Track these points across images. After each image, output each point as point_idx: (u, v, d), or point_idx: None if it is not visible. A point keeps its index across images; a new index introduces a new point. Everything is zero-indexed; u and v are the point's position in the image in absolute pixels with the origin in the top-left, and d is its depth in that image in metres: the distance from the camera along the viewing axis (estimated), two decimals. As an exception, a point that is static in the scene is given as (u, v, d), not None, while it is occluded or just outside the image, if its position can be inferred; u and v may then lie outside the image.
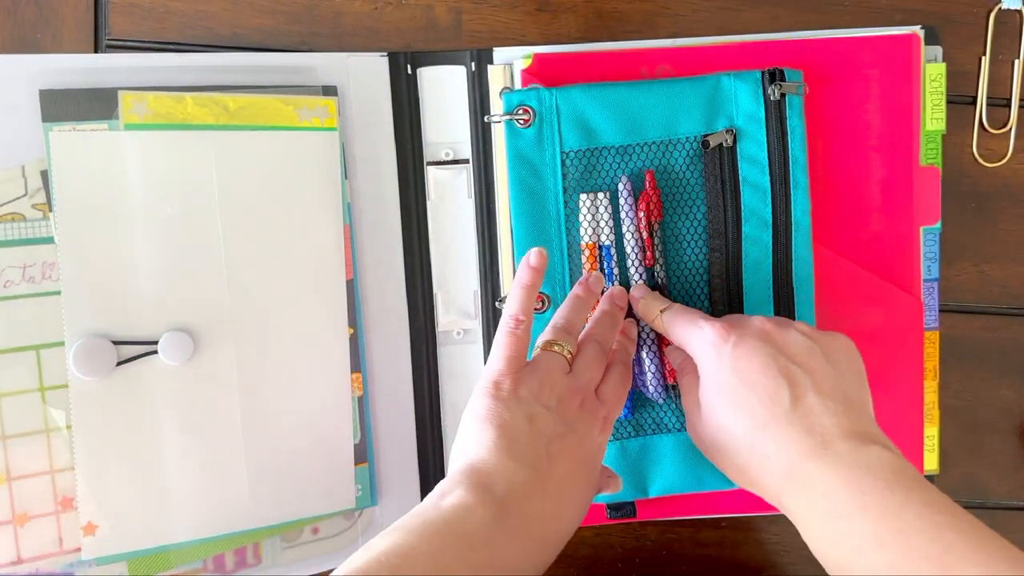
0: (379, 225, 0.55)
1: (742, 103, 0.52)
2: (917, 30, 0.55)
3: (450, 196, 0.56)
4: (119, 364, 0.50)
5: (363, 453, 0.55)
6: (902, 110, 0.55)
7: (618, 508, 0.55)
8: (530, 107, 0.52)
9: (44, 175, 0.49)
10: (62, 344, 0.49)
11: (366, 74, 0.54)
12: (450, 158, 0.56)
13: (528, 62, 0.53)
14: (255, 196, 0.52)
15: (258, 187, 0.52)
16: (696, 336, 0.46)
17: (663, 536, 0.59)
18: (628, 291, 0.52)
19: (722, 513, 0.57)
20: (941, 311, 0.57)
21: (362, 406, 0.55)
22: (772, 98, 0.51)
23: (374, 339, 0.55)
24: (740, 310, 0.52)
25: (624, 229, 0.52)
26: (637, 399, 0.54)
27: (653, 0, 0.56)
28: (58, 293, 0.49)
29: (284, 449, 0.53)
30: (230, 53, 0.54)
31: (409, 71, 0.55)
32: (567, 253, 0.53)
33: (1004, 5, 0.57)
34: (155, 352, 0.50)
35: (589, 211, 0.52)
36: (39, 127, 0.49)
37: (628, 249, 0.52)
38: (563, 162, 0.52)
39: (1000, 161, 0.58)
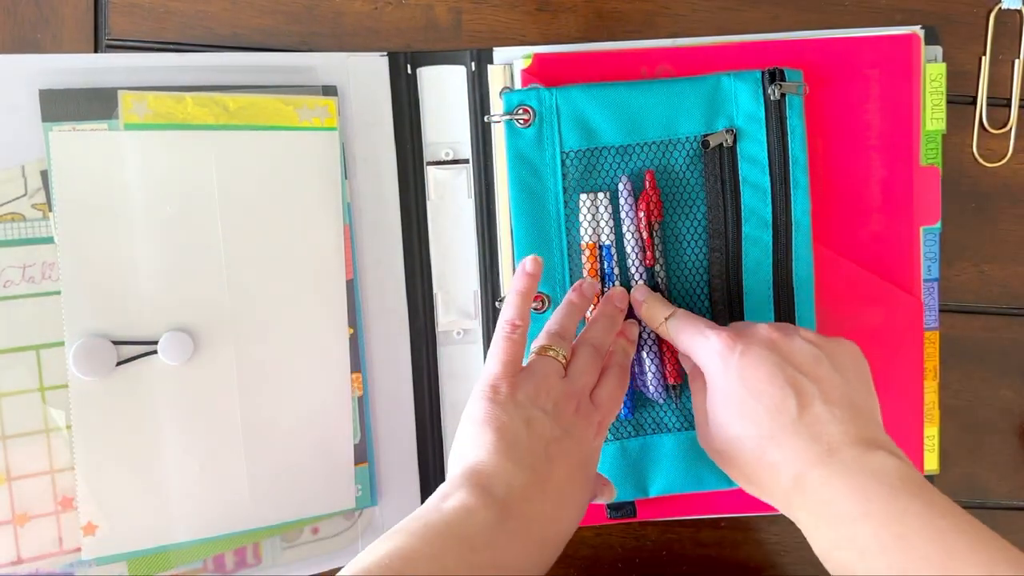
0: (379, 225, 0.55)
1: (742, 103, 0.52)
2: (917, 30, 0.55)
3: (450, 196, 0.56)
4: (119, 364, 0.50)
5: (363, 453, 0.55)
6: (902, 110, 0.55)
7: (618, 508, 0.55)
8: (530, 107, 0.52)
9: (44, 175, 0.49)
10: (62, 344, 0.49)
11: (366, 74, 0.54)
12: (450, 158, 0.56)
13: (528, 62, 0.53)
14: (255, 196, 0.52)
15: (258, 187, 0.52)
16: (702, 346, 0.46)
17: (663, 536, 0.59)
18: (628, 292, 0.52)
19: (722, 513, 0.57)
20: (941, 311, 0.57)
21: (362, 406, 0.55)
22: (772, 98, 0.51)
23: (374, 339, 0.55)
24: (740, 310, 0.52)
25: (624, 229, 0.52)
26: (637, 399, 0.54)
27: (653, 0, 0.56)
28: (58, 293, 0.49)
29: (284, 449, 0.53)
30: (230, 53, 0.54)
31: (409, 71, 0.55)
32: (567, 253, 0.53)
33: (1004, 5, 0.57)
34: (155, 352, 0.50)
35: (589, 211, 0.52)
36: (39, 127, 0.49)
37: (628, 249, 0.52)
38: (563, 162, 0.52)
39: (1000, 161, 0.58)
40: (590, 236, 0.52)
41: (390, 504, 0.56)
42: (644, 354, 0.53)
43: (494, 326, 0.55)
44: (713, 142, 0.52)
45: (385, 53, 0.55)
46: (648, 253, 0.52)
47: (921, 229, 0.56)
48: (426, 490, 0.56)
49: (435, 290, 0.56)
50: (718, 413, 0.45)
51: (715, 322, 0.49)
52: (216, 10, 0.55)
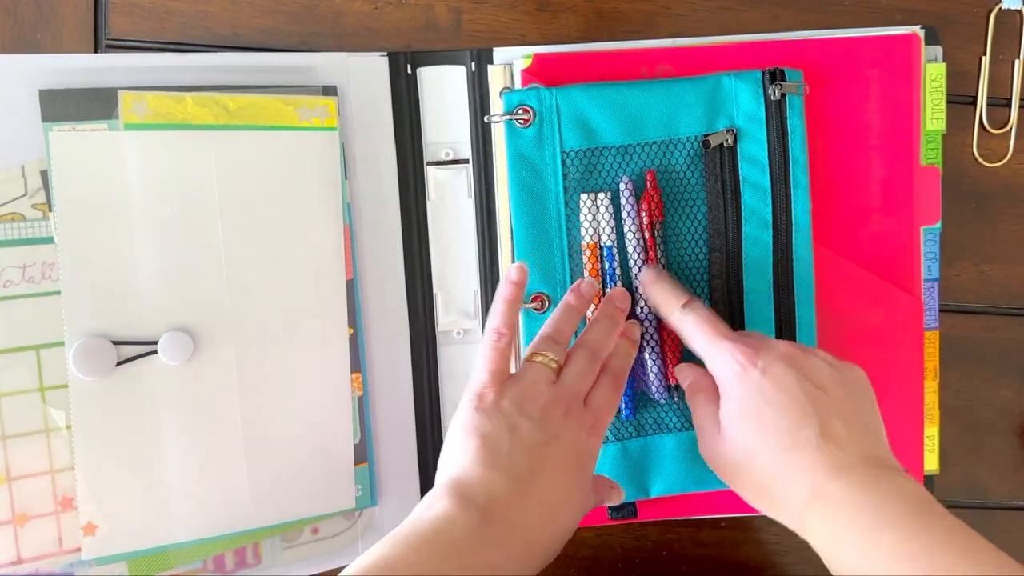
0: (379, 225, 0.55)
1: (742, 103, 0.52)
2: (917, 30, 0.55)
3: (450, 196, 0.56)
4: (119, 364, 0.50)
5: (363, 453, 0.55)
6: (902, 110, 0.55)
7: (619, 509, 0.55)
8: (530, 107, 0.52)
9: (44, 175, 0.49)
10: (62, 344, 0.49)
11: (366, 74, 0.54)
12: (450, 158, 0.56)
13: (528, 62, 0.53)
14: (255, 196, 0.52)
15: (258, 187, 0.52)
16: (722, 358, 0.46)
17: (663, 536, 0.59)
18: (630, 289, 0.52)
19: (722, 513, 0.57)
20: (941, 311, 0.57)
21: (362, 406, 0.55)
22: (772, 98, 0.51)
23: (374, 339, 0.55)
24: (740, 310, 0.52)
25: (626, 229, 0.52)
26: (639, 399, 0.54)
27: (653, 0, 0.56)
28: (58, 293, 0.49)
29: (284, 449, 0.53)
30: (230, 53, 0.54)
31: (409, 71, 0.55)
32: (567, 253, 0.53)
33: (1004, 5, 0.57)
34: (155, 352, 0.50)
35: (590, 211, 0.52)
36: (39, 127, 0.49)
37: (630, 249, 0.52)
38: (563, 162, 0.52)
39: (1000, 161, 0.58)
40: (591, 236, 0.52)
41: (390, 504, 0.56)
42: (646, 354, 0.53)
43: (494, 326, 0.55)
44: (714, 142, 0.52)
45: (385, 53, 0.55)
46: (650, 253, 0.52)
47: (921, 229, 0.56)
48: (426, 490, 0.56)
49: (435, 290, 0.56)
50: (734, 426, 0.45)
51: (689, 292, 0.49)
52: (216, 10, 0.55)
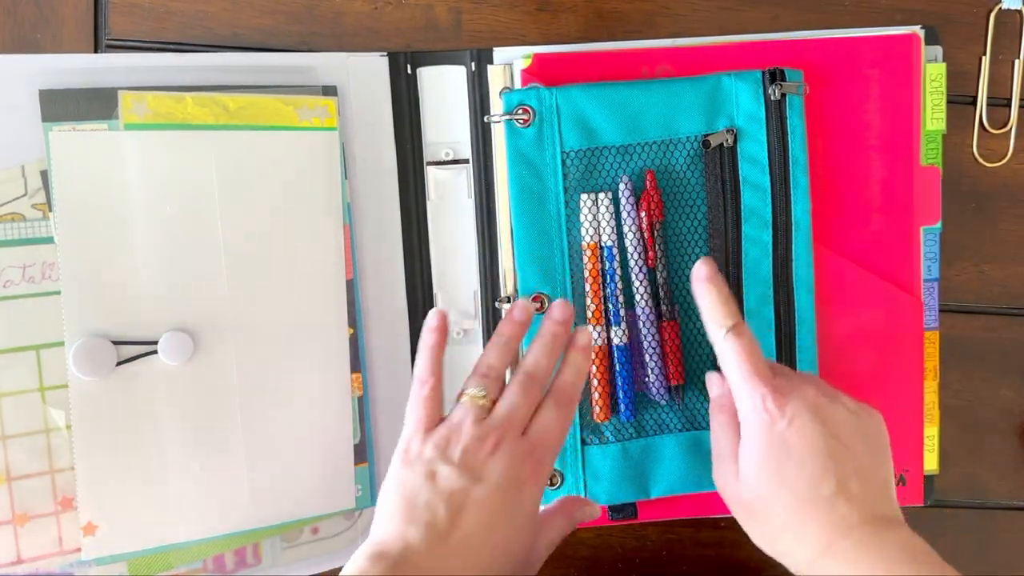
0: (379, 225, 0.55)
1: (743, 103, 0.52)
2: (917, 30, 0.55)
3: (450, 196, 0.56)
4: (119, 364, 0.50)
5: (363, 453, 0.55)
6: (902, 110, 0.55)
7: (619, 510, 0.55)
8: (530, 107, 0.52)
9: (44, 175, 0.49)
10: (62, 344, 0.49)
11: (366, 74, 0.54)
12: (450, 158, 0.56)
13: (528, 62, 0.53)
14: (255, 196, 0.52)
15: (258, 187, 0.52)
16: (751, 401, 0.45)
17: (663, 536, 0.59)
18: (630, 289, 0.52)
19: (722, 513, 0.56)
20: (941, 311, 0.57)
21: (362, 406, 0.55)
22: (772, 98, 0.51)
23: (374, 339, 0.55)
24: (740, 311, 0.52)
25: (625, 229, 0.52)
26: (639, 400, 0.54)
27: (653, 0, 0.56)
28: (58, 293, 0.49)
29: (284, 449, 0.53)
30: (230, 53, 0.54)
31: (409, 71, 0.55)
32: (567, 253, 0.53)
33: (1004, 5, 0.57)
34: (155, 352, 0.50)
35: (590, 211, 0.52)
36: (39, 127, 0.49)
37: (630, 249, 0.52)
38: (563, 162, 0.52)
39: (1000, 161, 0.58)
40: (591, 236, 0.52)
41: (390, 504, 0.56)
42: (646, 356, 0.53)
43: (494, 326, 0.55)
44: (714, 142, 0.52)
45: (385, 53, 0.55)
46: (650, 253, 0.52)
47: (921, 229, 0.56)
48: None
49: (435, 290, 0.56)
50: (752, 474, 0.45)
51: (738, 310, 0.48)
52: (216, 10, 0.55)
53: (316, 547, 0.55)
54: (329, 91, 0.53)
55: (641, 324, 0.52)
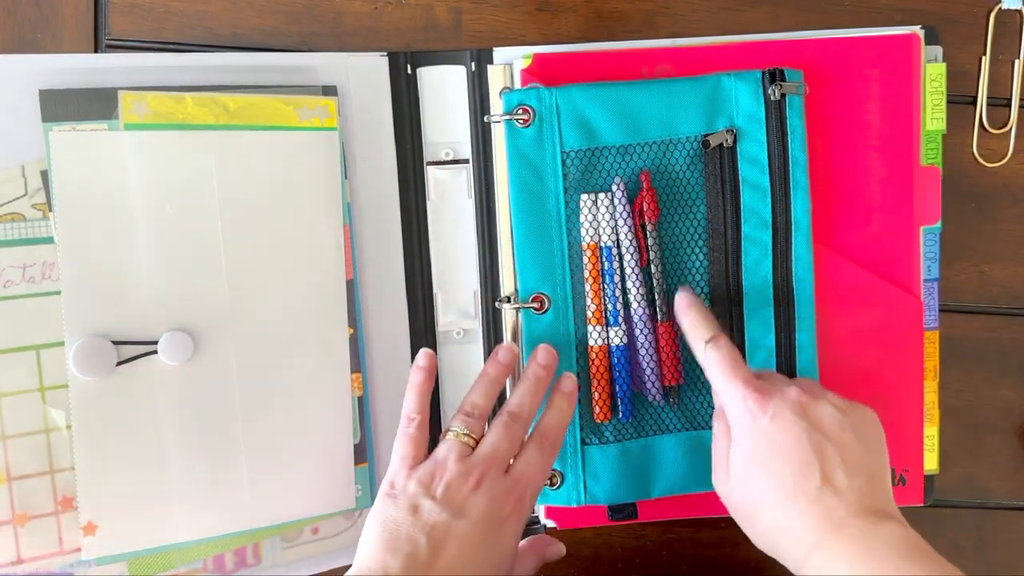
0: (379, 225, 0.55)
1: (742, 103, 0.52)
2: (917, 30, 0.55)
3: (450, 196, 0.56)
4: (119, 364, 0.50)
5: (363, 453, 0.55)
6: (902, 110, 0.55)
7: (619, 510, 0.55)
8: (530, 107, 0.52)
9: (44, 175, 0.49)
10: (62, 344, 0.49)
11: (366, 74, 0.54)
12: (450, 158, 0.56)
13: (528, 62, 0.53)
14: (255, 196, 0.52)
15: (258, 187, 0.52)
16: (733, 401, 0.47)
17: (663, 536, 0.59)
18: (630, 287, 0.52)
19: (722, 513, 0.56)
20: (941, 311, 0.57)
21: (362, 406, 0.55)
22: (772, 98, 0.51)
23: (374, 339, 0.55)
24: (740, 311, 0.52)
25: (620, 231, 0.52)
26: (639, 400, 0.54)
27: (653, 0, 0.56)
28: (58, 293, 0.49)
29: (284, 449, 0.53)
30: (230, 53, 0.54)
31: (409, 71, 0.55)
32: (567, 253, 0.53)
33: (1004, 5, 0.57)
34: (155, 352, 0.50)
35: (590, 211, 0.52)
36: (39, 127, 0.49)
37: (624, 250, 0.52)
38: (563, 162, 0.52)
39: (1000, 161, 0.58)
40: (591, 236, 0.52)
41: (390, 504, 0.56)
42: (642, 360, 0.53)
43: (494, 326, 0.55)
44: (713, 142, 0.52)
45: (385, 53, 0.55)
46: (643, 254, 0.52)
47: (921, 229, 0.55)
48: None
49: (435, 290, 0.56)
50: (742, 473, 0.46)
51: (718, 325, 0.49)
52: (216, 10, 0.55)
53: (316, 547, 0.55)
54: (329, 91, 0.53)
55: (636, 324, 0.52)
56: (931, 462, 0.57)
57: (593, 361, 0.53)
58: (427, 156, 0.56)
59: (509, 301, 0.53)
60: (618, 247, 0.52)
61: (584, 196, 0.52)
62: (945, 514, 0.59)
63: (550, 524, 0.56)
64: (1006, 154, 0.58)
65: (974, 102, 0.58)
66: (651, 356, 0.52)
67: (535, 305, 0.52)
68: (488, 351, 0.55)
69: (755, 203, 0.52)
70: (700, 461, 0.53)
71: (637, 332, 0.53)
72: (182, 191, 0.51)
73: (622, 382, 0.53)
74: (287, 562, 0.54)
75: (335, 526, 0.55)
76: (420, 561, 0.43)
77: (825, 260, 0.54)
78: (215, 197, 0.51)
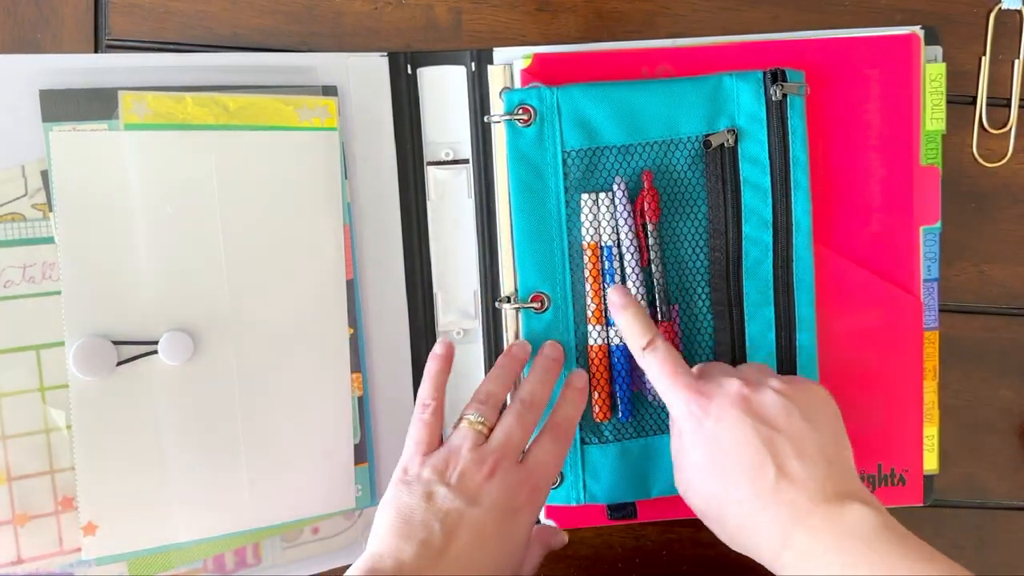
0: (379, 225, 0.55)
1: (744, 103, 0.52)
2: (917, 30, 0.55)
3: (450, 196, 0.56)
4: (119, 364, 0.50)
5: (363, 453, 0.55)
6: (902, 110, 0.55)
7: (619, 509, 0.55)
8: (530, 106, 0.52)
9: (44, 175, 0.49)
10: (62, 344, 0.49)
11: (366, 74, 0.54)
12: (450, 158, 0.56)
13: (528, 62, 0.53)
14: (255, 196, 0.52)
15: (258, 187, 0.52)
16: (676, 406, 0.46)
17: (663, 536, 0.59)
18: (630, 287, 0.52)
19: (722, 513, 0.56)
20: (941, 311, 0.57)
21: (362, 406, 0.55)
22: (774, 99, 0.51)
23: (374, 339, 0.55)
24: (740, 311, 0.52)
25: (620, 231, 0.52)
26: (639, 400, 0.54)
27: (653, 0, 0.56)
28: (58, 293, 0.49)
29: (284, 449, 0.53)
30: (230, 53, 0.54)
31: (409, 71, 0.55)
32: (568, 253, 0.53)
33: (1004, 5, 0.57)
34: (155, 352, 0.50)
35: (591, 211, 0.52)
36: (39, 127, 0.49)
37: (624, 251, 0.52)
38: (564, 161, 0.52)
39: (1000, 161, 0.58)
40: (591, 236, 0.52)
41: (390, 504, 0.56)
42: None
43: (494, 326, 0.55)
44: (715, 142, 0.52)
45: (385, 53, 0.55)
46: (644, 254, 0.52)
47: (921, 229, 0.56)
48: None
49: (435, 290, 0.56)
50: (697, 474, 0.45)
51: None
52: (216, 10, 0.55)
53: (316, 547, 0.55)
54: (329, 91, 0.53)
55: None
56: (931, 462, 0.57)
57: (593, 361, 0.53)
58: (427, 156, 0.56)
59: (509, 301, 0.53)
60: (619, 247, 0.52)
61: (585, 196, 0.52)
62: (945, 514, 0.59)
63: (550, 524, 0.56)
64: (1006, 154, 0.58)
65: (974, 102, 0.58)
66: (651, 356, 0.52)
67: (535, 305, 0.52)
68: (488, 351, 0.55)
69: (756, 203, 0.52)
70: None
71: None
72: (182, 191, 0.51)
73: (622, 382, 0.53)
74: (287, 562, 0.54)
75: (335, 526, 0.55)
76: (433, 547, 0.43)
77: (825, 260, 0.54)
78: (215, 197, 0.51)
